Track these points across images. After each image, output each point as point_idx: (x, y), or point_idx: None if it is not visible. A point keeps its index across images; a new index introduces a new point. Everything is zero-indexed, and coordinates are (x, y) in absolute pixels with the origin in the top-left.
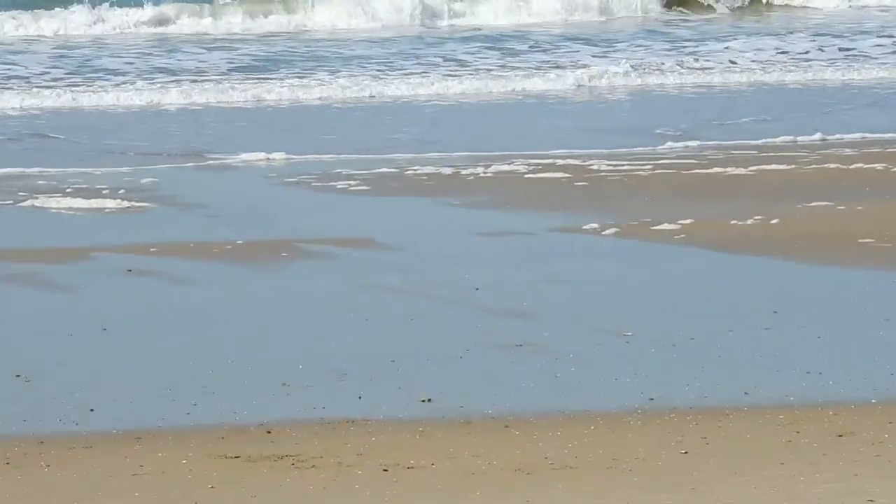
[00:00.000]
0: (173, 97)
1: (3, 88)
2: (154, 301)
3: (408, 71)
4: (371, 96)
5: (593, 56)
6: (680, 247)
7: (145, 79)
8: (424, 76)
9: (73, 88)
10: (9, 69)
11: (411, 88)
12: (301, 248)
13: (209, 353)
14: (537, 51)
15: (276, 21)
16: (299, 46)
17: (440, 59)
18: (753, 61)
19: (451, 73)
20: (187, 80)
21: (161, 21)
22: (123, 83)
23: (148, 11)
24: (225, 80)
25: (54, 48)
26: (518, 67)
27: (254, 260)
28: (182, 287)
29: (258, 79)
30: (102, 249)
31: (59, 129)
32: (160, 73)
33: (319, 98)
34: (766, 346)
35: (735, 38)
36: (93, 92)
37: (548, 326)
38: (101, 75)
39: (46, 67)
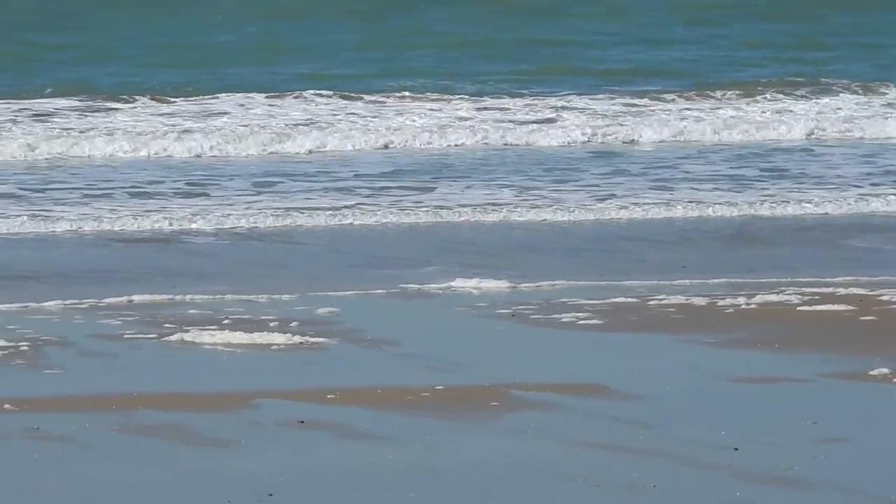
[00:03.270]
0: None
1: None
2: (331, 461)
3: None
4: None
5: None
6: None
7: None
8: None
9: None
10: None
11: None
12: (516, 397)
13: None
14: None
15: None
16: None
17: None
18: None
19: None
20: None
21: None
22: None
23: None
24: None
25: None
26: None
27: (456, 411)
28: (366, 444)
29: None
30: (268, 395)
31: (210, 248)
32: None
33: (525, 219)
34: None
35: None
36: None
37: (826, 497)
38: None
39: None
